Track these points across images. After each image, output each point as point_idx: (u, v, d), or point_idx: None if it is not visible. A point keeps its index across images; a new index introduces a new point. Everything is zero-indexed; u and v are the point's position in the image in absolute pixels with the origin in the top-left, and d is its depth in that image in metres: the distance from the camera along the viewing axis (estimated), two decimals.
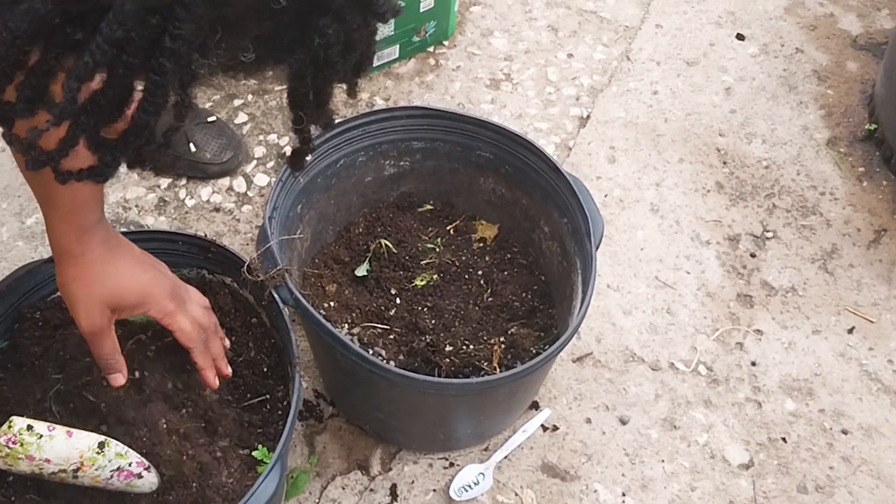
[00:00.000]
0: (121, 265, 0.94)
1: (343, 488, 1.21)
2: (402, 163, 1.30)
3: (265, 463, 1.00)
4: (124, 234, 1.00)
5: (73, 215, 0.91)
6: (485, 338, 1.23)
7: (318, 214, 1.25)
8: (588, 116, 1.65)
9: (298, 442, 1.24)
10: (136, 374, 1.01)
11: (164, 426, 0.98)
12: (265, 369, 1.10)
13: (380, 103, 1.63)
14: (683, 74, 1.73)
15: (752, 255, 1.47)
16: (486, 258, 1.32)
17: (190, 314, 0.97)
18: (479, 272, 1.30)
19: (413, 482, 1.21)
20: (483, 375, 1.17)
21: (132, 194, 1.49)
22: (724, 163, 1.59)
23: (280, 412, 1.08)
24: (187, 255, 1.14)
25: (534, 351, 1.20)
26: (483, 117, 1.25)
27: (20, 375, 1.05)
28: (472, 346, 1.21)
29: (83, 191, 0.90)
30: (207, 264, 1.14)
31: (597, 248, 1.12)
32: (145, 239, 1.08)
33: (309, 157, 1.11)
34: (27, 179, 0.95)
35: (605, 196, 1.52)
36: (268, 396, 1.08)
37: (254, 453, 1.02)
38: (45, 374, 1.03)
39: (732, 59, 1.76)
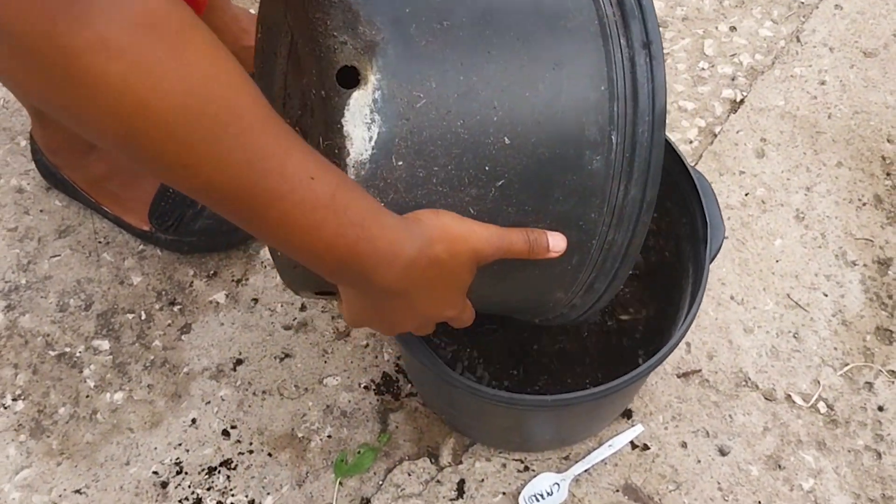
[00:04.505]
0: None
1: (409, 474, 1.14)
2: None
3: None
4: None
5: (361, 230, 0.63)
6: (582, 336, 1.13)
7: None
8: (742, 101, 1.49)
9: (371, 417, 1.17)
10: None
11: None
12: None
13: None
14: (858, 66, 1.54)
15: None
16: None
17: (512, 235, 0.79)
18: None
19: (483, 480, 1.13)
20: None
21: None
22: (888, 174, 1.41)
23: None
24: None
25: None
26: None
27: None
28: (566, 345, 1.12)
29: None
30: None
31: (711, 261, 0.99)
32: None
33: None
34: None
35: (746, 195, 1.38)
36: None
37: None
38: None
39: None
